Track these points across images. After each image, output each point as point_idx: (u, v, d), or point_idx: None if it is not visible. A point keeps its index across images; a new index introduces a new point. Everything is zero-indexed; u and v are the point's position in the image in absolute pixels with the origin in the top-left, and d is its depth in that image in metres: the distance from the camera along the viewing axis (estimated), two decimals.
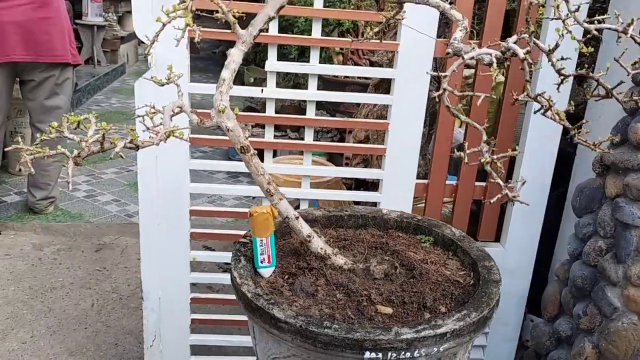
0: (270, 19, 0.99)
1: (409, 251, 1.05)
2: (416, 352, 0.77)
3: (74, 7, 7.14)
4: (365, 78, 3.76)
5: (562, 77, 0.88)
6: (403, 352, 0.76)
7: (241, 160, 1.09)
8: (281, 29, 1.88)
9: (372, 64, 2.93)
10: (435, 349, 0.78)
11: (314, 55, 1.85)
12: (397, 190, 1.94)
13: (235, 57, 0.97)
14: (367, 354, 0.76)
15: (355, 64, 4.12)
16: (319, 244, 0.98)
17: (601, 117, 1.86)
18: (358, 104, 3.29)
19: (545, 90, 0.93)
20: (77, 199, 3.94)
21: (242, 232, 1.25)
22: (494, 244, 2.10)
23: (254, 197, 3.50)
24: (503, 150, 1.97)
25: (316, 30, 1.82)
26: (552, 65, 0.87)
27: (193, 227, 1.93)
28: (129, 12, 9.08)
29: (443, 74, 0.83)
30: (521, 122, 2.09)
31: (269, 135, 1.91)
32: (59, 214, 3.70)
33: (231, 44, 1.04)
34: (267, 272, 0.96)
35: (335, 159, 3.80)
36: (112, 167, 4.55)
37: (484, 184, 2.03)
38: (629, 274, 1.64)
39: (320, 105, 4.55)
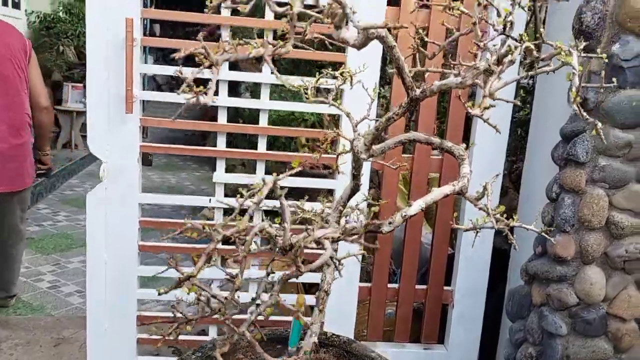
0: None
1: None
2: None
3: (55, 94, 7.36)
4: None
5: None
6: None
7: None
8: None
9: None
10: None
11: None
12: (340, 295, 2.00)
13: None
14: None
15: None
16: None
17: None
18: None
19: None
20: (40, 290, 3.93)
21: None
22: (437, 345, 2.16)
23: None
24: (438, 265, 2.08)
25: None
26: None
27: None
28: None
29: None
30: None
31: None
32: (20, 306, 3.67)
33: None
34: None
35: None
36: (78, 255, 4.56)
37: (424, 287, 2.12)
38: None
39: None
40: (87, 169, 7.38)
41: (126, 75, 1.77)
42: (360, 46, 0.94)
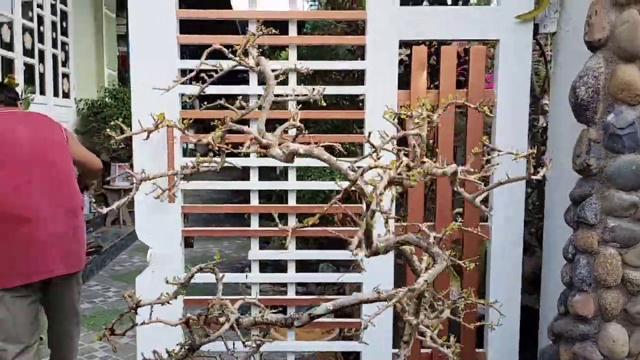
0: None
1: None
2: None
3: (103, 175, 7.80)
4: None
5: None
6: None
7: None
8: None
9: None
10: None
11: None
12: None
13: None
14: None
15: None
16: None
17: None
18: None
19: None
20: None
21: None
22: None
23: None
24: None
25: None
26: None
27: None
28: None
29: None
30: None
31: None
32: None
33: None
34: None
35: None
36: (129, 330, 4.73)
37: (429, 350, 2.18)
38: None
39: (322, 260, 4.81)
40: (135, 243, 7.68)
41: (168, 169, 1.98)
42: (285, 160, 1.14)
